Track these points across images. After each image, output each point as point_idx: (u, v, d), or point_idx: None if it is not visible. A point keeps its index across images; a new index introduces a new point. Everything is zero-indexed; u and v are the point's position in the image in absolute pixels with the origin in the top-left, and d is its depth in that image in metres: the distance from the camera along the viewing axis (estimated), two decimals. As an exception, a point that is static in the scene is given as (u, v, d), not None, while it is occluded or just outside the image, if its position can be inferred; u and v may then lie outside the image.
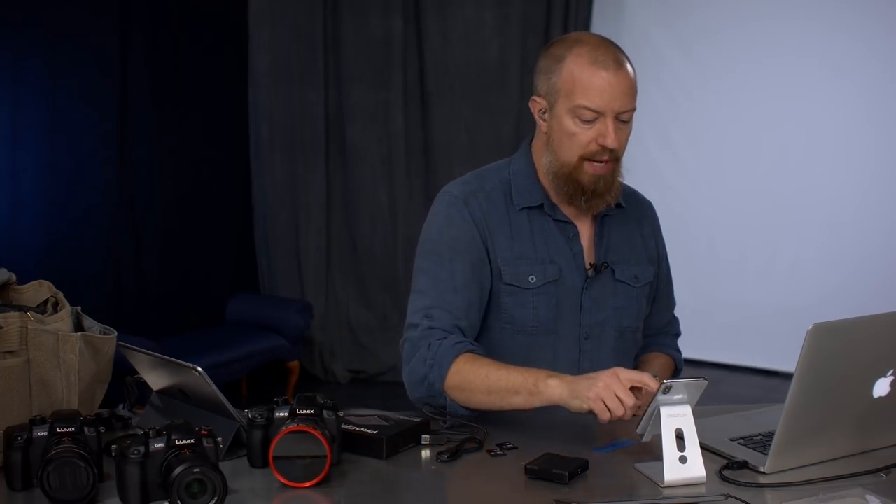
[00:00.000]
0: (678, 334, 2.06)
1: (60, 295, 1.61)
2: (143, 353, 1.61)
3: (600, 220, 1.86)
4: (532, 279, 1.80)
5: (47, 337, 1.46)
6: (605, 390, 1.51)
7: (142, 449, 1.29)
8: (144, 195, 4.75)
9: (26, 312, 1.48)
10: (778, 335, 4.84)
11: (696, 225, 5.31)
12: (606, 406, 1.50)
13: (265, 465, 1.42)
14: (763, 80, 5.14)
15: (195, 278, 5.02)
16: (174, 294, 4.90)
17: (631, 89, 1.73)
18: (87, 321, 1.59)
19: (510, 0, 5.37)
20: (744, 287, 5.27)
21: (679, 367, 2.02)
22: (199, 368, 1.47)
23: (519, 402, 1.63)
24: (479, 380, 1.66)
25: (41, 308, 1.58)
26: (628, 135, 1.77)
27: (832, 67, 4.96)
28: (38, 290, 1.63)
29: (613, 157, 1.75)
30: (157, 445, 1.29)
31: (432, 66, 5.45)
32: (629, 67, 1.75)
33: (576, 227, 1.84)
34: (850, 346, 1.39)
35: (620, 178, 1.82)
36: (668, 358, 1.98)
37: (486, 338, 1.82)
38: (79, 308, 1.60)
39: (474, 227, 1.79)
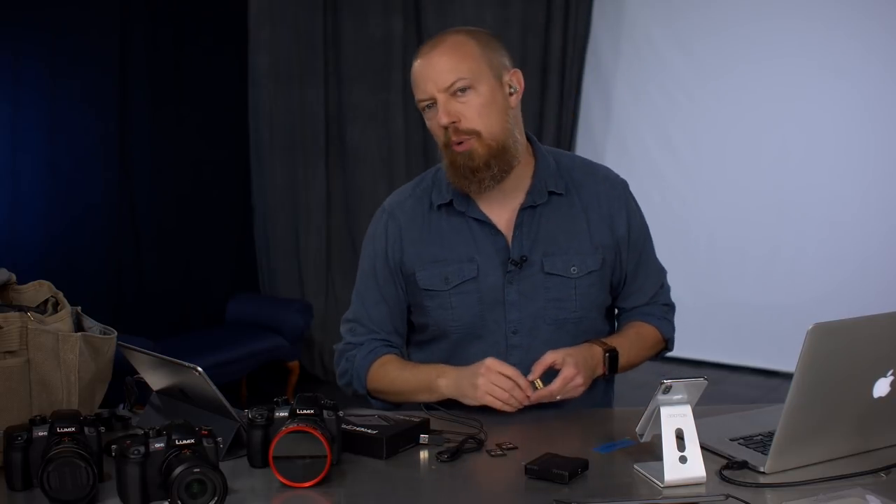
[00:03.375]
0: (668, 304, 1.99)
1: (60, 295, 1.61)
2: (143, 353, 1.61)
3: (522, 213, 1.84)
4: (447, 280, 1.84)
5: (47, 337, 1.46)
6: (489, 386, 1.67)
7: (142, 449, 1.29)
8: (144, 195, 4.75)
9: (26, 312, 1.48)
10: (778, 335, 4.83)
11: (696, 225, 5.32)
12: (498, 399, 1.67)
13: (265, 465, 1.42)
14: (763, 80, 5.14)
15: (195, 278, 5.02)
16: (174, 294, 4.89)
17: (448, 63, 1.74)
18: (87, 321, 1.59)
19: (510, 0, 5.37)
20: (744, 287, 5.27)
21: (666, 337, 1.96)
22: (199, 368, 1.47)
23: (425, 397, 1.79)
24: (388, 384, 1.87)
25: (41, 308, 1.58)
26: (477, 104, 1.74)
27: (832, 67, 4.95)
28: (38, 290, 1.63)
29: (470, 133, 1.75)
30: (157, 445, 1.30)
31: (432, 67, 5.44)
32: (448, 43, 1.76)
33: (492, 223, 1.84)
34: (850, 346, 1.39)
35: (512, 153, 1.78)
36: (646, 326, 1.93)
37: (421, 338, 1.93)
38: (79, 308, 1.60)
39: (387, 242, 1.90)
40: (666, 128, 5.46)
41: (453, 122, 1.74)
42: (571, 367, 1.70)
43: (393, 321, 1.92)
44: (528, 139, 1.89)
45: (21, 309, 1.51)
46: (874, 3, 4.85)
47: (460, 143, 1.75)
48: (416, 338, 1.96)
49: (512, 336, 1.83)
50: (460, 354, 1.85)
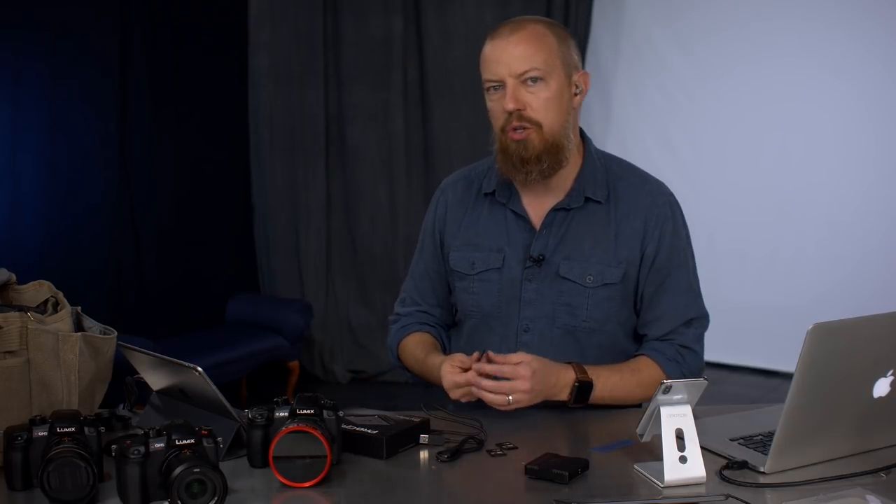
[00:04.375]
0: (688, 347, 1.83)
1: (60, 295, 1.61)
2: (143, 353, 1.61)
3: (553, 213, 1.84)
4: (473, 265, 1.87)
5: (47, 337, 1.46)
6: (453, 394, 1.68)
7: (142, 449, 1.29)
8: (144, 195, 4.75)
9: (26, 312, 1.48)
10: (778, 335, 4.83)
11: (696, 225, 5.18)
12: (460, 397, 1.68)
13: (265, 465, 1.42)
14: (763, 81, 5.14)
15: (195, 278, 5.02)
16: (174, 294, 4.89)
17: (525, 50, 1.75)
18: (87, 321, 1.59)
19: (510, 0, 5.37)
20: (744, 287, 5.27)
21: (669, 376, 1.78)
22: (199, 368, 1.47)
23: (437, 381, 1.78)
24: (410, 362, 1.92)
25: (41, 308, 1.58)
26: (545, 97, 1.75)
27: (832, 67, 4.96)
28: (38, 290, 1.63)
29: (530, 122, 1.76)
30: (157, 445, 1.30)
31: (432, 66, 5.44)
32: (529, 30, 1.76)
33: (527, 218, 1.85)
34: (850, 346, 1.39)
35: (564, 153, 1.79)
36: (647, 363, 1.80)
37: (456, 319, 1.97)
38: (79, 308, 1.60)
39: (435, 220, 1.96)
40: (666, 128, 5.45)
41: (518, 110, 1.75)
42: (525, 371, 1.62)
43: (436, 294, 1.97)
44: (584, 138, 1.89)
45: (21, 309, 1.51)
46: (874, 3, 4.85)
47: (520, 129, 1.76)
48: (455, 318, 2.00)
49: (523, 334, 1.83)
50: (476, 342, 1.86)
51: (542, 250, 1.82)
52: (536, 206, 1.86)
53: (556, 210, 1.84)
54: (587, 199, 1.84)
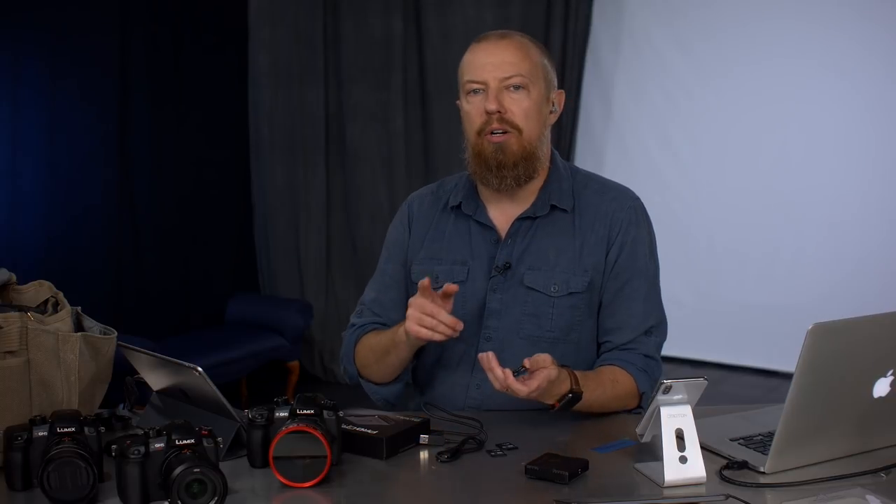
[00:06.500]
0: (652, 357, 1.81)
1: (60, 295, 1.61)
2: (143, 353, 1.61)
3: (519, 223, 1.83)
4: (436, 278, 1.83)
5: (47, 337, 1.46)
6: (416, 317, 1.65)
7: (142, 449, 1.29)
8: (144, 195, 4.75)
9: (26, 312, 1.48)
10: (778, 335, 4.83)
11: (696, 225, 5.32)
12: (426, 327, 1.64)
13: (265, 465, 1.42)
14: (763, 80, 5.14)
15: (195, 278, 5.02)
16: (174, 294, 4.90)
17: (513, 57, 1.77)
18: (88, 321, 1.59)
19: (510, 0, 5.37)
20: (744, 287, 5.27)
21: (641, 391, 1.78)
22: (199, 368, 1.47)
23: (393, 358, 1.79)
24: (365, 354, 1.87)
25: (41, 308, 1.59)
26: (526, 106, 1.77)
27: (833, 67, 4.95)
28: (38, 290, 1.63)
29: (511, 126, 1.77)
30: (157, 445, 1.30)
31: (432, 66, 5.44)
32: (516, 40, 1.80)
33: (493, 228, 1.84)
34: (850, 346, 1.39)
35: (538, 163, 1.80)
36: (624, 375, 1.76)
37: None
38: (79, 308, 1.60)
39: (404, 231, 1.95)
40: (666, 128, 5.45)
41: (499, 112, 1.76)
42: (540, 378, 1.55)
43: (396, 308, 1.91)
44: (550, 153, 1.90)
45: (21, 309, 1.51)
46: (874, 3, 4.85)
47: (499, 133, 1.77)
48: None
49: (485, 343, 1.81)
50: (439, 355, 1.86)
51: (508, 258, 1.82)
52: (502, 218, 1.85)
53: (521, 219, 1.83)
54: (553, 208, 1.83)
